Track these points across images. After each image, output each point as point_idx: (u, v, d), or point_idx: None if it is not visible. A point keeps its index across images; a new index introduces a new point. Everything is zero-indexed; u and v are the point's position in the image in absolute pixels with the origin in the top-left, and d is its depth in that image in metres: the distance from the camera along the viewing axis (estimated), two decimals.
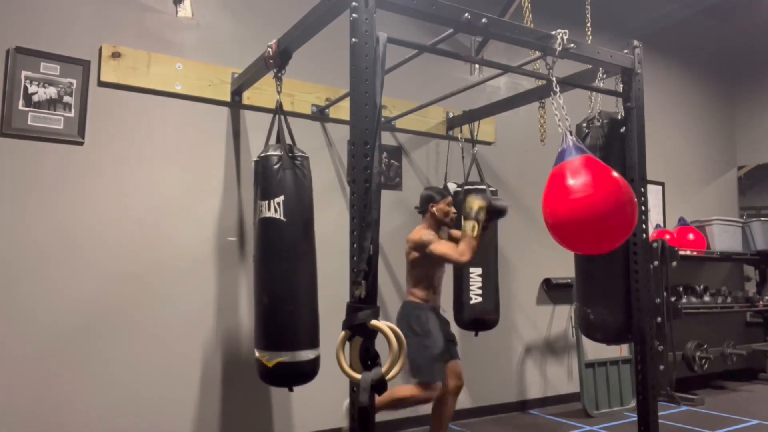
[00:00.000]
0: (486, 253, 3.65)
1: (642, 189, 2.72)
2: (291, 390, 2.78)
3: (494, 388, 4.30)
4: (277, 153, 2.71)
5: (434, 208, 3.13)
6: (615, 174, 2.27)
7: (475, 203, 2.84)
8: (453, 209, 3.17)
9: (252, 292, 2.90)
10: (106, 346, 2.97)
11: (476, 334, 3.75)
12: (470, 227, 2.82)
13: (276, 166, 2.68)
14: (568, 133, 2.35)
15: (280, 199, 2.66)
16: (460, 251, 2.83)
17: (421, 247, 3.03)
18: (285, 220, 2.66)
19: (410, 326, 2.99)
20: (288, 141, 2.82)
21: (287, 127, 2.86)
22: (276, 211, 2.66)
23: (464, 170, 4.05)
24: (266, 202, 2.69)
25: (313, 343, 2.72)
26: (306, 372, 2.70)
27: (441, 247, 2.96)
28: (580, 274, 2.90)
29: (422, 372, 2.92)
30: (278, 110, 2.87)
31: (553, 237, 2.32)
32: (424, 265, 3.08)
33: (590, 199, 2.18)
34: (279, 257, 2.68)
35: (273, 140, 2.87)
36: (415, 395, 2.93)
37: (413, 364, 2.90)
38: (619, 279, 2.74)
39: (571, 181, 2.23)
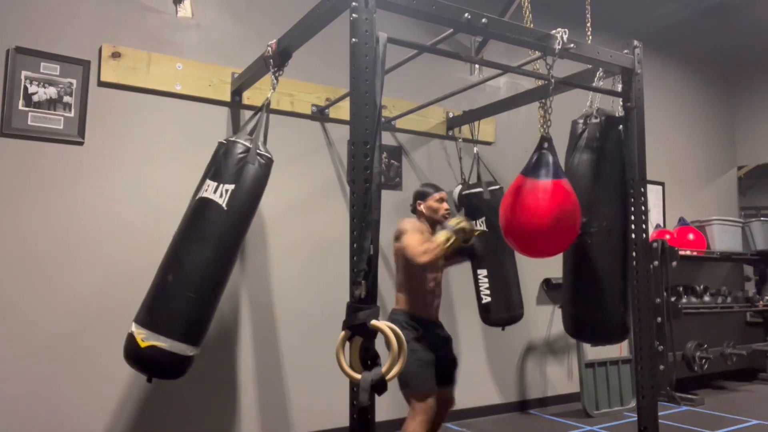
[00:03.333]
0: (490, 252, 3.69)
1: (642, 189, 2.72)
2: (149, 381, 2.58)
3: (494, 388, 4.30)
4: (246, 144, 2.65)
5: (422, 206, 2.89)
6: (564, 200, 2.42)
7: (462, 222, 2.71)
8: (445, 205, 2.89)
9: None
10: (105, 347, 2.97)
11: (503, 329, 3.81)
12: (444, 237, 2.64)
13: (240, 155, 2.62)
14: (542, 144, 2.47)
15: (231, 187, 2.60)
16: (423, 249, 2.60)
17: (398, 236, 2.75)
18: (226, 209, 2.58)
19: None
20: (260, 139, 2.75)
21: (266, 126, 2.79)
22: (221, 196, 2.59)
23: (462, 170, 4.06)
24: (215, 183, 2.60)
25: (195, 341, 2.54)
26: (174, 367, 2.51)
27: (410, 239, 2.67)
28: (566, 275, 2.89)
29: (411, 380, 2.62)
30: (265, 108, 2.79)
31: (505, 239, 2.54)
32: (408, 267, 2.77)
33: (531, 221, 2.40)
34: (204, 241, 2.57)
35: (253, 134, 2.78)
36: (415, 414, 2.62)
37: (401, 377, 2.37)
38: (612, 279, 2.73)
39: (524, 199, 2.42)
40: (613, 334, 2.74)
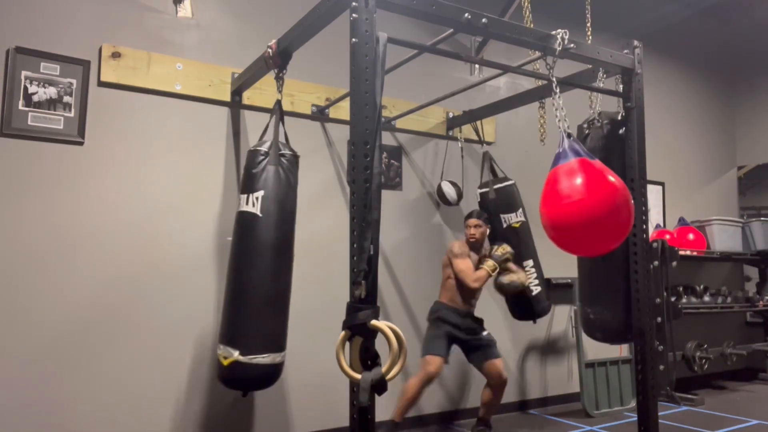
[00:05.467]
0: (528, 246, 3.82)
1: (642, 189, 2.72)
2: (244, 395, 2.74)
3: None
4: (263, 149, 2.69)
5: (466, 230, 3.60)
6: (611, 177, 2.24)
7: (507, 252, 3.46)
8: (471, 231, 3.52)
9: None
10: (105, 347, 2.97)
11: (534, 322, 3.89)
12: (491, 266, 3.40)
13: (260, 162, 2.66)
14: (565, 136, 2.32)
15: (260, 194, 2.63)
16: (475, 277, 3.37)
17: (449, 255, 3.50)
18: (261, 215, 2.62)
19: (430, 318, 3.54)
20: (281, 140, 2.81)
21: (282, 127, 2.85)
22: (254, 205, 2.63)
23: (463, 170, 4.06)
24: (245, 195, 2.68)
25: (271, 348, 2.60)
26: (260, 377, 2.58)
27: (461, 264, 3.41)
28: (581, 275, 2.91)
29: (426, 347, 3.41)
30: (275, 110, 2.85)
31: (551, 239, 2.32)
32: (452, 275, 3.49)
33: (582, 203, 2.16)
34: (250, 252, 2.63)
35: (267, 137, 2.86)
36: (421, 374, 3.30)
37: (424, 344, 3.46)
38: (619, 279, 2.74)
39: (564, 185, 2.21)
40: (626, 334, 2.77)
